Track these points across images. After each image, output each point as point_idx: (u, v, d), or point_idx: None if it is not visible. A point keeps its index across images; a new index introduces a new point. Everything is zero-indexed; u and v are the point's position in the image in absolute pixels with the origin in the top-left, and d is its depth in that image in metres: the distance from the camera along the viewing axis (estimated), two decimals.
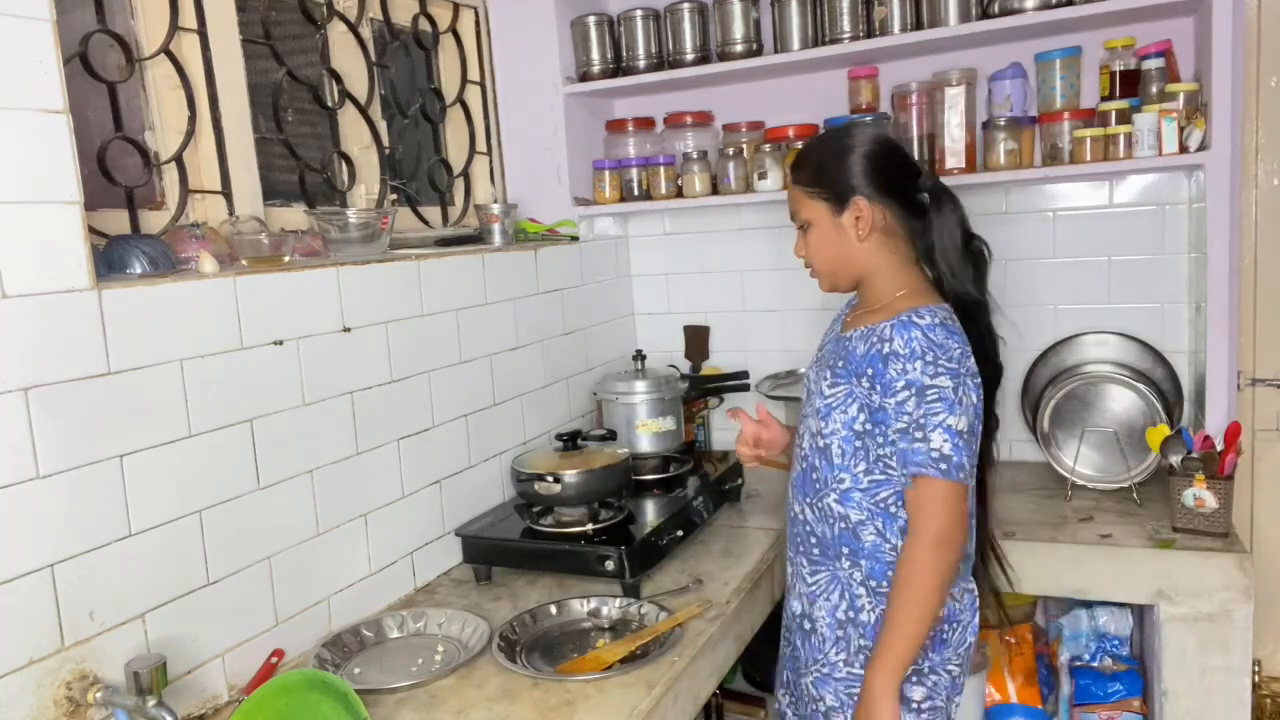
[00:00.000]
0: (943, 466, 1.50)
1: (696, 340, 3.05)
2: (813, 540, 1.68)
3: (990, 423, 1.67)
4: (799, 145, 2.59)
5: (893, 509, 1.58)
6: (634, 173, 2.79)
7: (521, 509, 2.19)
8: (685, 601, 1.91)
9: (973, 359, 1.56)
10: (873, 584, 1.60)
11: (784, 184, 2.58)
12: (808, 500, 1.68)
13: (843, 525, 1.62)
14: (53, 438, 1.37)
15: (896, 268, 1.64)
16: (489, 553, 2.12)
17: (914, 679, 1.59)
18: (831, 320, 1.84)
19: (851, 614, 1.63)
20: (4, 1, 1.32)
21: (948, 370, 1.50)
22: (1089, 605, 2.37)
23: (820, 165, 1.64)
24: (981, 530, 1.72)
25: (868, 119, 2.49)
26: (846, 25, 2.45)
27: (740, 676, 2.75)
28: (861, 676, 1.59)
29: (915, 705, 1.59)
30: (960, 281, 1.63)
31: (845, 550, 1.63)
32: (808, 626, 1.70)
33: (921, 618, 1.51)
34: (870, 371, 1.56)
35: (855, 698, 1.60)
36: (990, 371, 1.63)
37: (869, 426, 1.58)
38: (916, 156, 2.41)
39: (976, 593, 1.68)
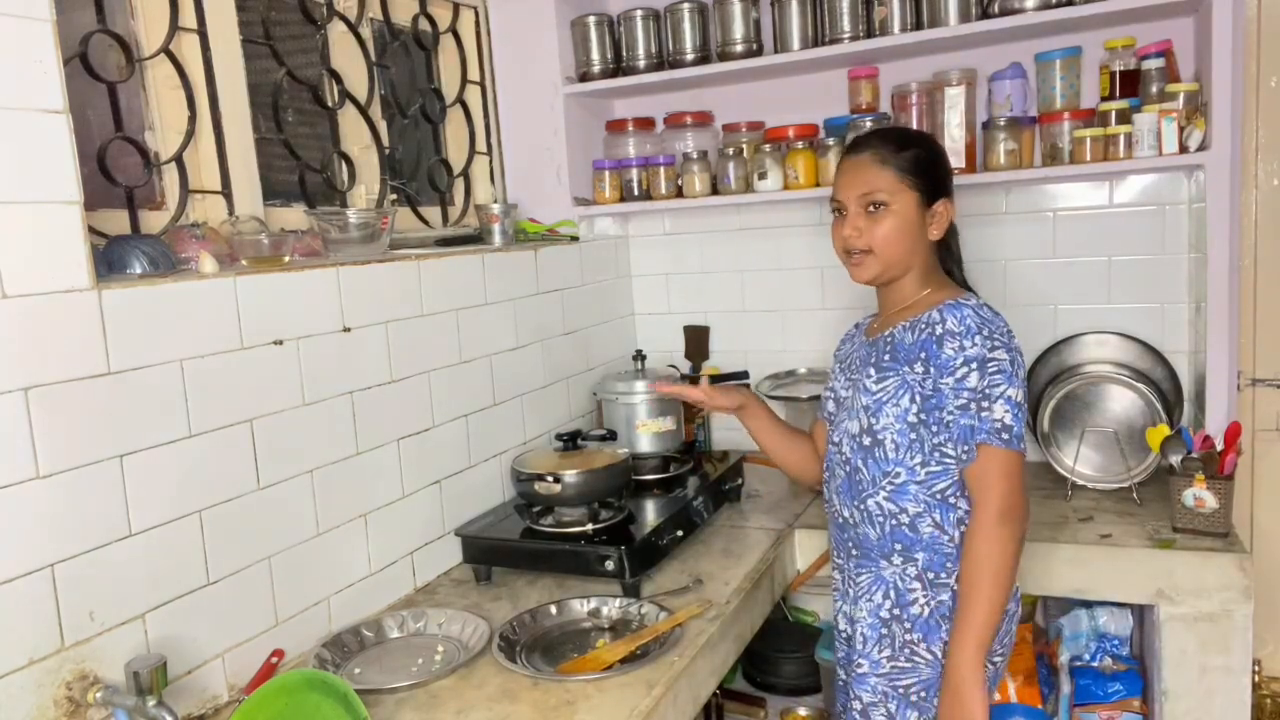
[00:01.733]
0: (1004, 436, 1.53)
1: (696, 340, 3.05)
2: (859, 541, 1.70)
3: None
4: (799, 145, 2.59)
5: (951, 499, 1.60)
6: (634, 173, 2.79)
7: (521, 509, 2.19)
8: (685, 601, 1.91)
9: (1017, 339, 1.61)
10: (930, 576, 1.61)
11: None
12: (855, 503, 1.69)
13: (894, 522, 1.63)
14: (53, 438, 1.37)
15: (933, 268, 1.70)
16: (489, 553, 2.12)
17: None
18: (840, 340, 1.88)
19: (897, 611, 1.64)
20: (4, 2, 1.32)
21: (1003, 344, 1.55)
22: (1089, 605, 2.37)
23: (920, 158, 1.66)
24: None
25: (868, 119, 2.49)
26: (846, 25, 2.45)
27: (740, 676, 2.75)
28: (905, 670, 1.62)
29: None
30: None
31: (897, 547, 1.64)
32: (850, 631, 1.72)
33: (997, 594, 1.52)
34: (924, 355, 1.58)
35: (896, 689, 1.63)
36: None
37: (923, 416, 1.59)
38: None
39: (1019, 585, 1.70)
